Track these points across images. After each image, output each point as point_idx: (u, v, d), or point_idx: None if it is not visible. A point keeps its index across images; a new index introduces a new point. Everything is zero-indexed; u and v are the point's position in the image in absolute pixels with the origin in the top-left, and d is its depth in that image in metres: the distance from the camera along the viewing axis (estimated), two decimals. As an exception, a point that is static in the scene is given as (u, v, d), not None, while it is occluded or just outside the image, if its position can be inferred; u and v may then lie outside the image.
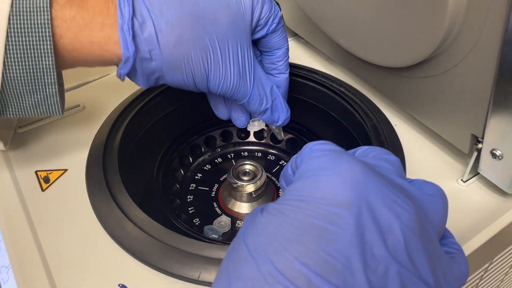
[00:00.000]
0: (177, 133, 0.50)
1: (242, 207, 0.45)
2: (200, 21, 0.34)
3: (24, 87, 0.32)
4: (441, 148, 0.42)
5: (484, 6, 0.29)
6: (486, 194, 0.39)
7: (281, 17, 0.39)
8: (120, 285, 0.32)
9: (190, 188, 0.47)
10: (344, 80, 0.49)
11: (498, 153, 0.34)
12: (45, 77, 0.32)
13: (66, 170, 0.41)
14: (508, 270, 0.49)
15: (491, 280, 0.47)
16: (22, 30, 0.30)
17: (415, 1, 0.33)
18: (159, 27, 0.33)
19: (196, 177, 0.49)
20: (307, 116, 0.50)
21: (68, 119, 0.46)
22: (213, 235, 0.42)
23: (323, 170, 0.22)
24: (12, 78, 0.31)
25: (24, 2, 0.30)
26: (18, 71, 0.31)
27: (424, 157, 0.42)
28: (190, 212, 0.45)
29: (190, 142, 0.51)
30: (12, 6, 0.30)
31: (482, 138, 0.36)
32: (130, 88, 0.48)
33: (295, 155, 0.26)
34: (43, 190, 0.39)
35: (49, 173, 0.40)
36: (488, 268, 0.43)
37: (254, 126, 0.44)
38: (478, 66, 0.32)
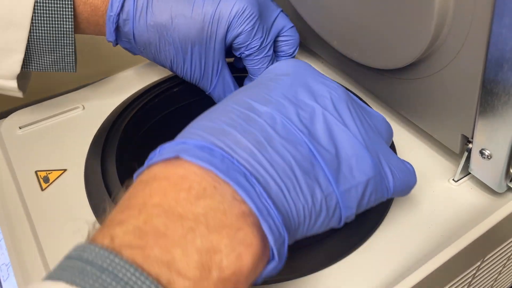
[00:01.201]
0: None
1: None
2: (170, 33, 0.41)
3: (46, 46, 0.40)
4: (434, 148, 0.43)
5: (469, 11, 0.30)
6: (477, 194, 0.39)
7: (259, 50, 0.43)
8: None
9: None
10: (338, 82, 0.50)
11: (487, 153, 0.35)
12: (65, 39, 0.40)
13: (65, 170, 0.42)
14: (502, 269, 0.50)
15: (484, 279, 0.47)
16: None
17: (403, 4, 0.34)
18: (137, 30, 0.41)
19: None
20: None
21: (68, 120, 0.47)
22: None
23: (279, 63, 0.32)
24: (37, 37, 0.39)
25: None
26: (43, 32, 0.39)
27: (417, 157, 0.42)
28: None
29: None
30: None
31: (472, 138, 0.36)
32: (129, 90, 0.49)
33: None
34: (42, 189, 0.40)
35: (49, 173, 0.41)
36: (481, 267, 0.43)
37: None
38: (466, 68, 0.33)
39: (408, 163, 0.33)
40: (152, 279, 0.20)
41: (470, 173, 0.39)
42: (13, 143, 0.44)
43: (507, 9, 0.27)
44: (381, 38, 0.38)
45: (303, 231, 0.26)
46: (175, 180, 0.23)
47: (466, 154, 0.38)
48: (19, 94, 0.43)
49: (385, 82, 0.43)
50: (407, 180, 0.31)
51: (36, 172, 0.41)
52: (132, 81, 0.51)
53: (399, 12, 0.35)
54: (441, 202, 0.39)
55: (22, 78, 0.43)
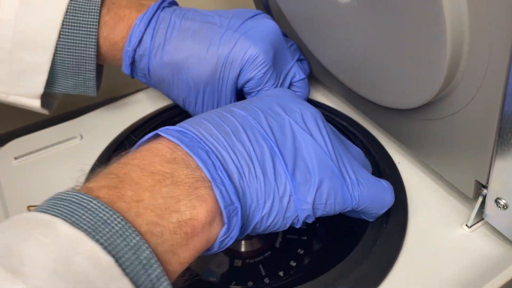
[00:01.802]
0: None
1: (240, 245, 0.43)
2: (184, 71, 0.41)
3: (69, 70, 0.41)
4: (446, 190, 0.40)
5: (484, 57, 0.28)
6: (492, 242, 0.37)
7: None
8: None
9: None
10: (346, 113, 0.48)
11: (502, 202, 0.33)
12: (87, 64, 0.41)
13: (58, 205, 0.40)
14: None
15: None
16: (75, 25, 0.39)
17: (414, 46, 0.32)
18: (152, 66, 0.42)
19: None
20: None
21: (66, 151, 0.46)
22: (211, 278, 0.41)
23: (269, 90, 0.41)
24: (61, 61, 0.40)
25: (79, 4, 0.39)
26: (66, 57, 0.40)
27: (428, 199, 0.40)
28: None
29: None
30: (68, 5, 0.39)
31: (487, 184, 0.34)
32: (128, 119, 0.48)
33: None
34: (34, 226, 0.39)
35: (41, 209, 0.40)
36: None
37: None
38: (481, 114, 0.31)
39: (385, 181, 0.34)
40: (113, 210, 0.24)
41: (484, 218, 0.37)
42: (7, 174, 0.43)
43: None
44: (390, 78, 0.36)
45: (261, 220, 0.30)
46: (153, 151, 0.28)
47: (480, 199, 0.36)
48: (45, 112, 0.44)
49: (395, 120, 0.41)
50: (379, 194, 0.33)
51: (28, 207, 0.40)
52: (132, 109, 0.50)
53: (409, 54, 0.33)
54: (454, 250, 0.36)
55: (49, 97, 0.44)
